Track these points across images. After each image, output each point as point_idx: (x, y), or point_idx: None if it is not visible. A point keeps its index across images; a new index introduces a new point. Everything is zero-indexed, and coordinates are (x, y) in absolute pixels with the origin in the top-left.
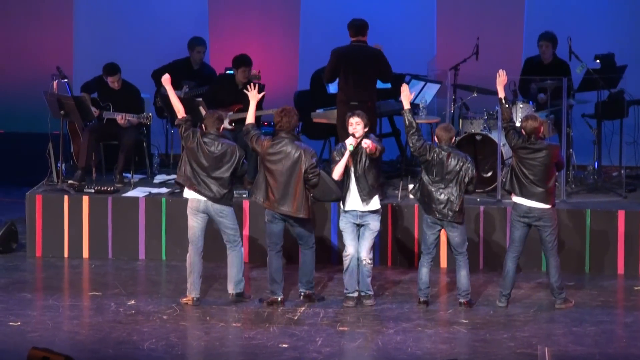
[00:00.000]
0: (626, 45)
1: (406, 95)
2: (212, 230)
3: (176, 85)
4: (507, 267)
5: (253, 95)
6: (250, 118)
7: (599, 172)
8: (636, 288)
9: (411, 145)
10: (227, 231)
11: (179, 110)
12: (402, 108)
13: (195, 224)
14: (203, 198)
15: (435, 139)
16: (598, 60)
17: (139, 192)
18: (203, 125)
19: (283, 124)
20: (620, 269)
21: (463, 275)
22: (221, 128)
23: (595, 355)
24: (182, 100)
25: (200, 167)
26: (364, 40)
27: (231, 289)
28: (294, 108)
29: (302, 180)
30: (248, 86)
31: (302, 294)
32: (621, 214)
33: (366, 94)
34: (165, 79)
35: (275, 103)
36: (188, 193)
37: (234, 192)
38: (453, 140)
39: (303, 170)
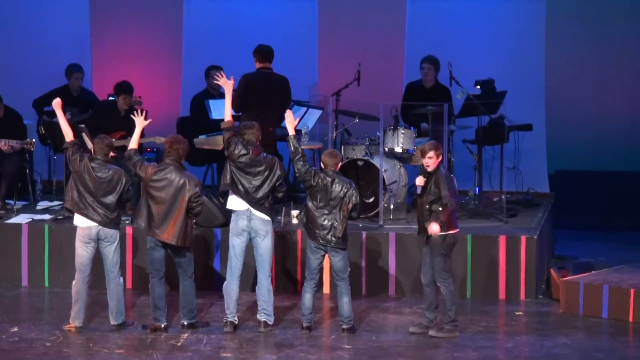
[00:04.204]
0: (506, 71)
1: (290, 121)
2: (97, 257)
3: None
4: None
5: (140, 122)
6: (133, 144)
7: (480, 197)
8: (517, 313)
9: (297, 170)
10: (107, 261)
11: (68, 134)
12: (286, 134)
13: (84, 252)
14: (93, 224)
15: (321, 165)
16: (478, 86)
17: (21, 219)
18: (93, 149)
19: (172, 152)
20: (502, 294)
21: (345, 302)
22: (110, 154)
23: None
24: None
25: (87, 191)
26: (270, 67)
27: (112, 320)
28: (184, 138)
29: (184, 209)
30: (134, 112)
31: (184, 324)
32: (502, 239)
33: (270, 121)
34: (56, 103)
35: (158, 129)
36: (78, 220)
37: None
38: (338, 165)
39: (187, 199)
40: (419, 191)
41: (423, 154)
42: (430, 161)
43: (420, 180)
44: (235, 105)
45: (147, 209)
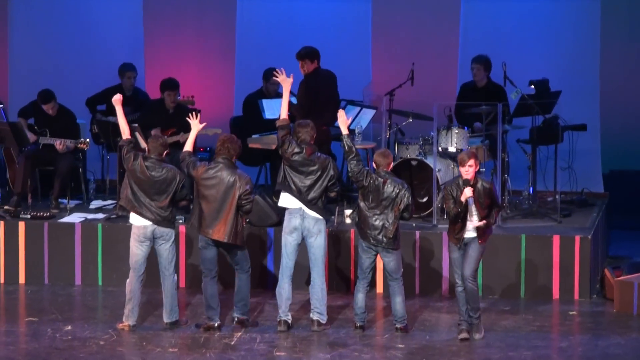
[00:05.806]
0: (560, 70)
1: (343, 121)
2: (151, 256)
3: (111, 112)
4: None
5: (195, 124)
6: (188, 146)
7: (534, 197)
8: (571, 313)
9: (350, 170)
10: (162, 258)
11: (124, 131)
12: (340, 133)
13: (139, 251)
14: (148, 223)
15: (373, 165)
16: (532, 86)
17: (75, 218)
18: (147, 148)
19: (223, 151)
20: (556, 294)
21: (398, 301)
22: (164, 153)
23: None
24: (116, 126)
25: (142, 189)
26: (318, 66)
27: (165, 319)
28: (237, 138)
29: (235, 207)
30: (190, 114)
31: (236, 318)
32: (556, 239)
33: (324, 119)
34: (117, 99)
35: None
36: (133, 218)
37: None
38: (390, 165)
39: (237, 197)
40: (469, 202)
41: (462, 163)
42: (471, 169)
43: (470, 192)
44: (300, 113)
45: (199, 208)
